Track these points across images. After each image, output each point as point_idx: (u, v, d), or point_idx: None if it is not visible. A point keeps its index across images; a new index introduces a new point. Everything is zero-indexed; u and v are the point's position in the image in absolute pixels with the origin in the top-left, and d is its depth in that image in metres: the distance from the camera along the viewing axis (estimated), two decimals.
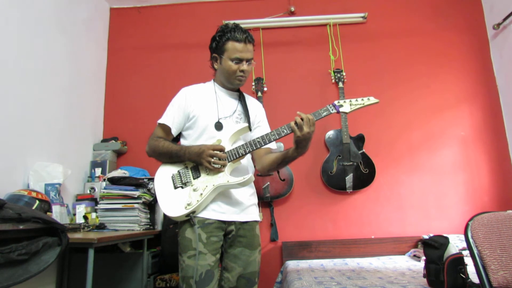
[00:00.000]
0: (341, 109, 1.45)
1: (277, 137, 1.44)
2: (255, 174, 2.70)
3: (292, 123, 1.38)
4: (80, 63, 2.80)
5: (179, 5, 3.30)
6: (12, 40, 2.09)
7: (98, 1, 3.15)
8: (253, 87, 2.98)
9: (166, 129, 1.55)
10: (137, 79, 3.18)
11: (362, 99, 1.47)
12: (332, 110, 1.44)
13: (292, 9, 3.15)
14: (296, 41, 3.16)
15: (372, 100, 1.47)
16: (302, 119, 1.36)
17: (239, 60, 1.50)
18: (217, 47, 1.54)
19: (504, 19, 2.82)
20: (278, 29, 3.17)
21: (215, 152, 1.40)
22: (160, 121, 1.56)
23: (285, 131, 1.43)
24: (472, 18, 3.14)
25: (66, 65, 2.62)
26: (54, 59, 2.48)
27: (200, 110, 1.54)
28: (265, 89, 3.00)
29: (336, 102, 1.46)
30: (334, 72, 3.00)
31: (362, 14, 3.10)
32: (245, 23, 3.00)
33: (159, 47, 3.23)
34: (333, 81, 3.00)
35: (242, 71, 1.51)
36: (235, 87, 1.61)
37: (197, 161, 1.45)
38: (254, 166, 1.65)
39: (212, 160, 1.40)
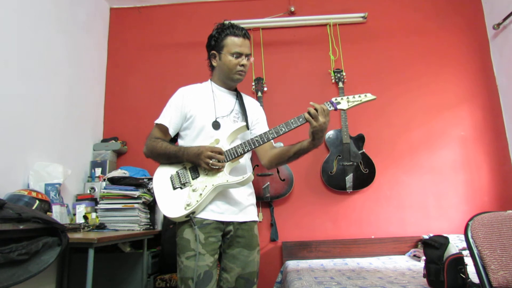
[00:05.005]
0: (338, 106, 1.44)
1: (276, 136, 1.44)
2: (256, 174, 2.72)
3: (306, 114, 1.37)
4: (80, 63, 2.80)
5: (179, 5, 3.30)
6: (12, 40, 2.09)
7: (98, 1, 3.15)
8: (253, 87, 2.98)
9: (163, 129, 1.55)
10: (137, 79, 3.18)
11: (360, 96, 1.45)
12: (330, 107, 1.43)
13: (292, 9, 3.15)
14: (296, 41, 3.16)
15: (370, 96, 1.45)
16: (316, 110, 1.35)
17: (239, 54, 1.51)
18: (216, 43, 1.54)
19: (504, 19, 2.82)
20: (278, 29, 3.17)
21: (213, 154, 1.40)
22: (158, 121, 1.56)
23: (284, 129, 1.42)
24: (472, 18, 3.14)
25: (66, 65, 2.62)
26: (54, 59, 2.47)
27: (197, 109, 1.53)
28: (265, 89, 3.00)
29: (333, 99, 1.44)
30: (334, 72, 3.00)
31: (362, 14, 3.10)
32: (245, 23, 3.00)
33: (159, 47, 3.23)
34: (333, 81, 3.00)
35: (242, 65, 1.52)
36: (235, 83, 1.60)
37: (195, 162, 1.45)
38: (254, 167, 1.65)
39: (211, 161, 1.40)
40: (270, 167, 1.62)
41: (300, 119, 1.41)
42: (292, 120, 1.42)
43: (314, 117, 1.35)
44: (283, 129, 1.42)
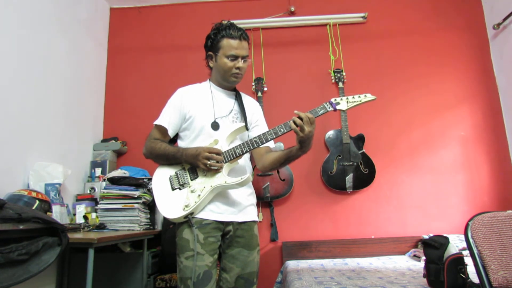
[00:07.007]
0: (338, 107, 1.43)
1: (274, 137, 1.44)
2: (256, 174, 2.72)
3: (292, 124, 1.36)
4: (80, 63, 2.80)
5: (179, 5, 3.30)
6: (12, 40, 2.09)
7: (98, 1, 3.15)
8: (253, 87, 2.98)
9: (162, 130, 1.55)
10: (137, 79, 3.18)
11: (359, 96, 1.44)
12: (329, 107, 1.43)
13: (292, 9, 3.15)
14: (296, 41, 3.16)
15: (369, 97, 1.44)
16: (301, 119, 1.35)
17: (234, 57, 1.49)
18: (212, 45, 1.53)
19: (504, 19, 2.82)
20: (278, 29, 3.17)
21: (211, 154, 1.40)
22: (157, 122, 1.55)
23: (282, 130, 1.42)
24: (472, 18, 3.14)
25: (66, 65, 2.62)
26: (54, 59, 2.47)
27: (196, 110, 1.53)
28: (265, 89, 3.00)
29: (332, 100, 1.44)
30: (334, 72, 3.00)
31: (362, 14, 3.10)
32: (245, 23, 3.00)
33: (159, 47, 3.23)
34: (333, 81, 3.00)
35: (238, 68, 1.51)
36: (231, 84, 1.60)
37: (194, 163, 1.45)
38: (254, 167, 1.65)
39: (209, 162, 1.39)
40: (265, 171, 1.62)
41: (285, 127, 1.41)
42: (279, 127, 1.42)
43: (300, 127, 1.34)
44: (282, 130, 1.42)
